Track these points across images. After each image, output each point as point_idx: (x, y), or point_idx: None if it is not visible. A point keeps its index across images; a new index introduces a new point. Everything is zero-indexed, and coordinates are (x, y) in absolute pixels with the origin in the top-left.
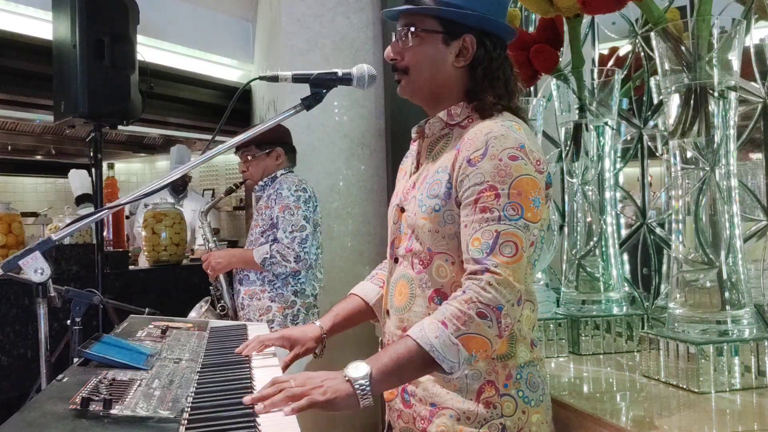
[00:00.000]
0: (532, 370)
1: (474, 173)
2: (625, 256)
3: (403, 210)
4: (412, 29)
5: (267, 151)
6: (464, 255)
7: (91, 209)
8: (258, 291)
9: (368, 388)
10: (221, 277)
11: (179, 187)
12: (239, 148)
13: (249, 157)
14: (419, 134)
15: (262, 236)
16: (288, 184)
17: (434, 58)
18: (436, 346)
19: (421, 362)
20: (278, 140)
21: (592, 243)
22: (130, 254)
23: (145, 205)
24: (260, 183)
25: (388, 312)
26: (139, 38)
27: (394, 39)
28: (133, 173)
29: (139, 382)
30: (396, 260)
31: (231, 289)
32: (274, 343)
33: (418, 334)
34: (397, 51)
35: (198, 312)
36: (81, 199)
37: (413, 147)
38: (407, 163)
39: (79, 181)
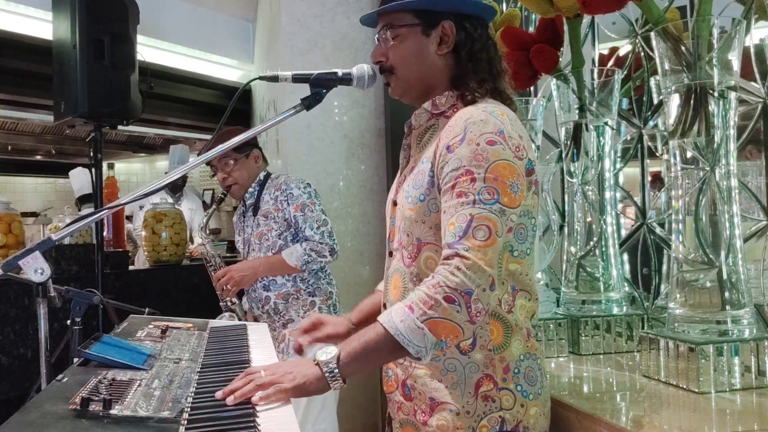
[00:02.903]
0: (531, 363)
1: (452, 159)
2: (625, 256)
3: (395, 204)
4: (391, 28)
5: (246, 153)
6: (442, 241)
7: (93, 209)
8: (292, 291)
9: (336, 371)
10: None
11: (178, 187)
12: (213, 159)
13: (232, 163)
14: (409, 129)
15: (279, 238)
16: (295, 183)
17: (417, 50)
18: (401, 330)
19: (388, 346)
20: (252, 141)
21: (592, 243)
22: (129, 254)
23: (140, 207)
24: (250, 190)
25: (385, 306)
26: (139, 38)
27: (376, 44)
28: (133, 173)
29: (139, 382)
30: (390, 254)
31: (240, 301)
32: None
33: (385, 319)
34: (381, 53)
35: None
36: (84, 200)
37: (405, 143)
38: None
39: (80, 181)
